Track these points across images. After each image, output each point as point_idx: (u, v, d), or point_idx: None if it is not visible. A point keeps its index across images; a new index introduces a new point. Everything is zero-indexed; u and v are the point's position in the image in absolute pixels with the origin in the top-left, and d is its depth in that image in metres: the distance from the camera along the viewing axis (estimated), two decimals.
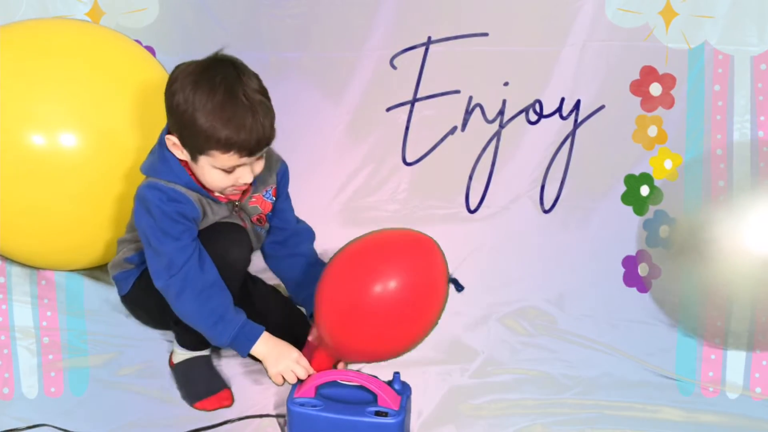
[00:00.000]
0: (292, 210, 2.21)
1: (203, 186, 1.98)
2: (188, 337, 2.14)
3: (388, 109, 2.52)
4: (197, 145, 1.90)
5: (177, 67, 1.93)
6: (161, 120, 1.97)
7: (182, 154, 1.95)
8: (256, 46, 2.39)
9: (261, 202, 2.11)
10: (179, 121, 1.90)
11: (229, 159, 1.89)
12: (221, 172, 1.93)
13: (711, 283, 2.29)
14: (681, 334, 2.36)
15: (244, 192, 2.06)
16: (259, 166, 1.97)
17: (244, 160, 1.90)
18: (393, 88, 2.51)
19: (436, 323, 1.96)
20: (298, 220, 2.23)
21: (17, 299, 2.24)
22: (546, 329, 2.37)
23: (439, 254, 1.94)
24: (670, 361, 2.32)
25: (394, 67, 2.48)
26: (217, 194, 2.01)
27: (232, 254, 2.02)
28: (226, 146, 1.87)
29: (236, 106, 1.86)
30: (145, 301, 2.13)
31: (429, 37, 2.46)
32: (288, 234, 2.20)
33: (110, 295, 2.28)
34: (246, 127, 1.86)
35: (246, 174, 1.94)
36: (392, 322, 1.91)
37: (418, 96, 2.51)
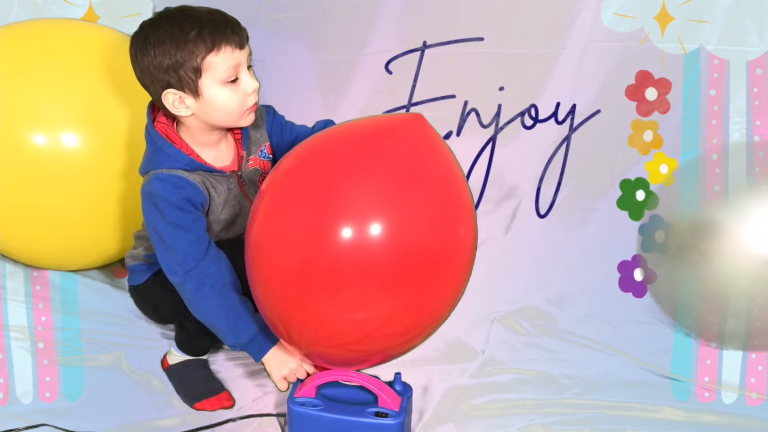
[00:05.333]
0: (306, 129, 2.16)
1: (205, 163, 1.96)
2: (190, 343, 2.14)
3: (384, 113, 2.51)
4: (191, 68, 1.86)
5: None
6: None
7: (185, 106, 1.91)
8: (254, 48, 2.38)
9: (259, 163, 2.08)
10: (161, 70, 1.87)
11: (224, 57, 1.87)
12: (228, 89, 1.90)
13: (707, 288, 2.30)
14: (679, 334, 2.37)
15: (240, 157, 2.04)
16: (253, 77, 1.94)
17: (237, 55, 1.88)
18: (389, 92, 2.50)
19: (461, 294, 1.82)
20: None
21: (12, 299, 2.22)
22: (546, 329, 2.36)
23: (457, 171, 1.71)
24: (670, 361, 2.33)
25: (389, 72, 2.48)
26: (218, 163, 1.99)
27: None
28: (212, 42, 1.85)
29: (196, 11, 1.88)
30: (158, 297, 2.10)
31: (424, 42, 2.46)
32: None
33: (106, 294, 2.27)
34: (217, 17, 1.88)
35: (247, 79, 1.91)
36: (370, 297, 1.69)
37: (414, 100, 2.51)
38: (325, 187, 1.65)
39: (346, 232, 1.62)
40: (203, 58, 1.86)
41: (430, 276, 1.68)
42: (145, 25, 1.89)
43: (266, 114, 2.11)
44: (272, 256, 1.71)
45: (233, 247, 1.96)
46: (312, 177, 1.68)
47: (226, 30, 1.87)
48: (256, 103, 1.96)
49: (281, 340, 1.92)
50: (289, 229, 1.67)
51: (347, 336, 1.73)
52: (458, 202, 1.72)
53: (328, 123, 2.15)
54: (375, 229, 1.62)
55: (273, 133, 2.11)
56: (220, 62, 1.87)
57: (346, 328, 1.71)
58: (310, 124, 2.18)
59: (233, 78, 1.90)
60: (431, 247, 1.66)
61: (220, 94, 1.90)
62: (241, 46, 1.89)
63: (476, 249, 1.81)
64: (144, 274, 2.13)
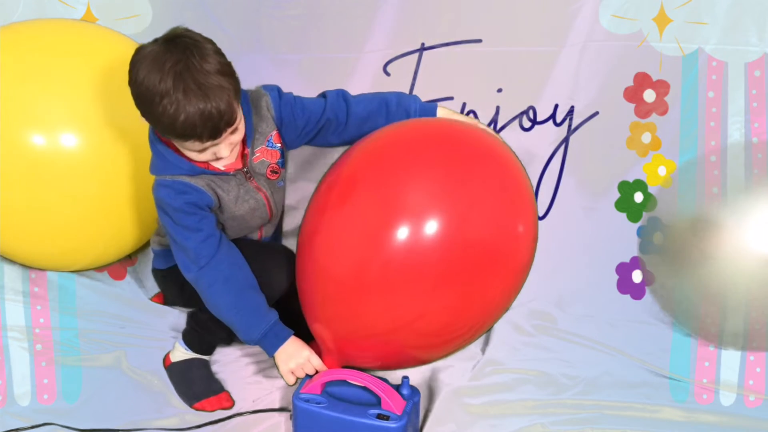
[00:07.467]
0: (318, 101, 2.07)
1: (207, 166, 1.94)
2: (200, 338, 2.15)
3: None
4: (160, 132, 1.86)
5: (135, 51, 1.85)
6: None
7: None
8: (254, 48, 2.38)
9: (266, 154, 2.04)
10: (140, 108, 1.83)
11: (193, 145, 1.84)
12: (194, 152, 1.88)
13: (706, 290, 2.30)
14: (678, 334, 2.37)
15: (244, 155, 2.00)
16: (237, 135, 1.89)
17: (208, 144, 1.84)
18: None
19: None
20: (349, 105, 2.06)
21: (10, 299, 2.22)
22: (546, 329, 2.37)
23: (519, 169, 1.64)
24: (669, 361, 2.33)
25: (387, 74, 2.47)
26: (221, 168, 1.95)
27: (273, 277, 2.01)
28: (183, 137, 1.81)
29: (187, 95, 1.75)
30: (184, 282, 2.04)
31: (422, 43, 2.46)
32: (354, 121, 2.06)
33: (104, 293, 2.27)
34: (198, 116, 1.76)
35: (220, 149, 1.87)
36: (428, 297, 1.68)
37: None
38: (383, 186, 1.65)
39: (402, 232, 1.61)
40: (170, 137, 1.85)
41: (481, 276, 1.65)
42: (152, 56, 1.80)
43: (272, 100, 2.01)
44: (326, 259, 1.74)
45: (251, 248, 2.00)
46: (371, 177, 1.68)
47: (201, 128, 1.79)
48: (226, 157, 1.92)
49: (293, 336, 1.98)
50: (346, 232, 1.70)
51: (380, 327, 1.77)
52: (518, 194, 1.66)
53: (340, 93, 2.06)
54: (430, 227, 1.60)
55: (284, 117, 2.02)
56: (186, 145, 1.85)
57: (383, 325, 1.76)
58: None
59: (202, 150, 1.87)
60: (486, 243, 1.62)
61: (187, 152, 1.89)
62: (213, 138, 1.83)
63: (534, 252, 1.77)
64: (169, 260, 2.11)
